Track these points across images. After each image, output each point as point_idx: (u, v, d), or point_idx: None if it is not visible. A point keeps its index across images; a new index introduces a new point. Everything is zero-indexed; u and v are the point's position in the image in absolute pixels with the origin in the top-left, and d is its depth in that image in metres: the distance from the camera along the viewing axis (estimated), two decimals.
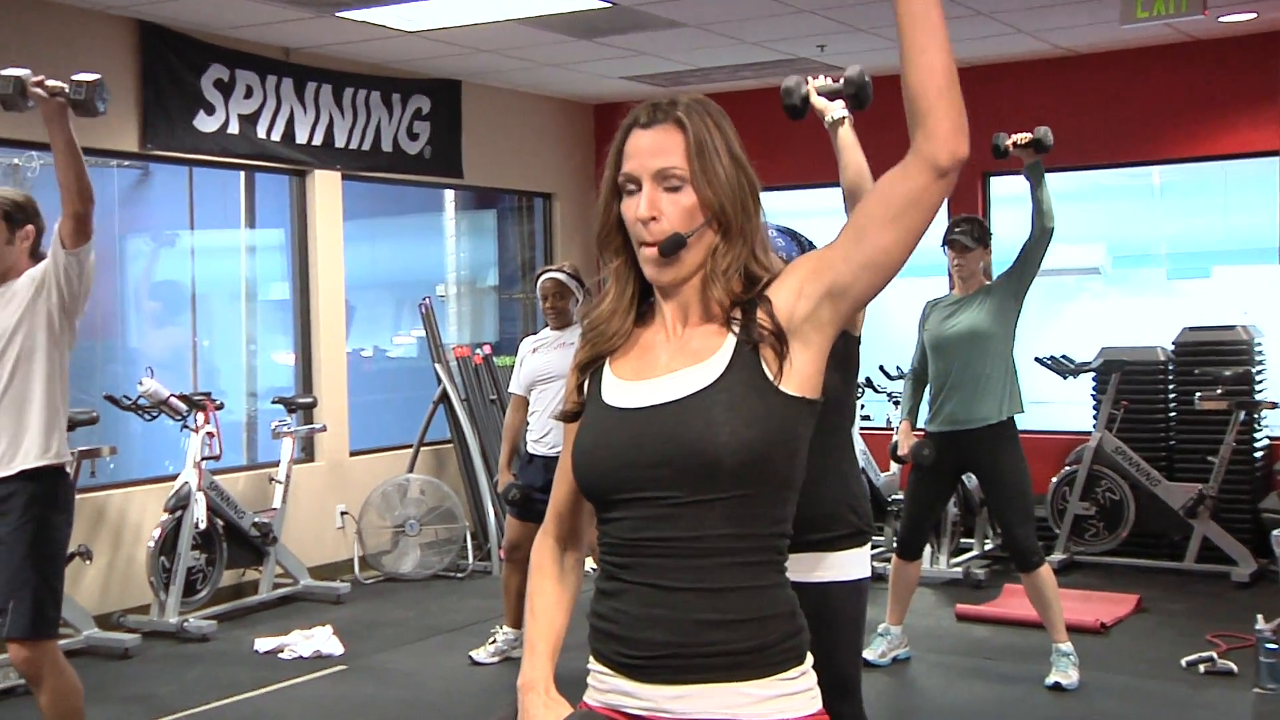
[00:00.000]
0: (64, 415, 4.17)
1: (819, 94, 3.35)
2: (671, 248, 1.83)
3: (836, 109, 3.33)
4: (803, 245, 3.48)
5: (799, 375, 1.81)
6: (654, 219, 1.84)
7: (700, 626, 1.79)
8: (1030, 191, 5.36)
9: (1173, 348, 7.83)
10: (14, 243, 4.12)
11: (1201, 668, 5.58)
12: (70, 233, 3.97)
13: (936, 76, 1.73)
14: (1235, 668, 5.53)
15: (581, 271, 6.03)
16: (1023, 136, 5.34)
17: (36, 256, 4.21)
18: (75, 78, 3.90)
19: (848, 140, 3.33)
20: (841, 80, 3.34)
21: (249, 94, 7.47)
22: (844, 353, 3.20)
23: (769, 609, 1.82)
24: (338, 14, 6.83)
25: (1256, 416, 7.54)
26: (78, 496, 4.30)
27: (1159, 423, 7.84)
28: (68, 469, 4.20)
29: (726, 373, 1.80)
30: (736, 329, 1.83)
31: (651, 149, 1.85)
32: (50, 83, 3.90)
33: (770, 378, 1.80)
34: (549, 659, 1.97)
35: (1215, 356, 7.57)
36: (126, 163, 7.60)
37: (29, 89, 3.89)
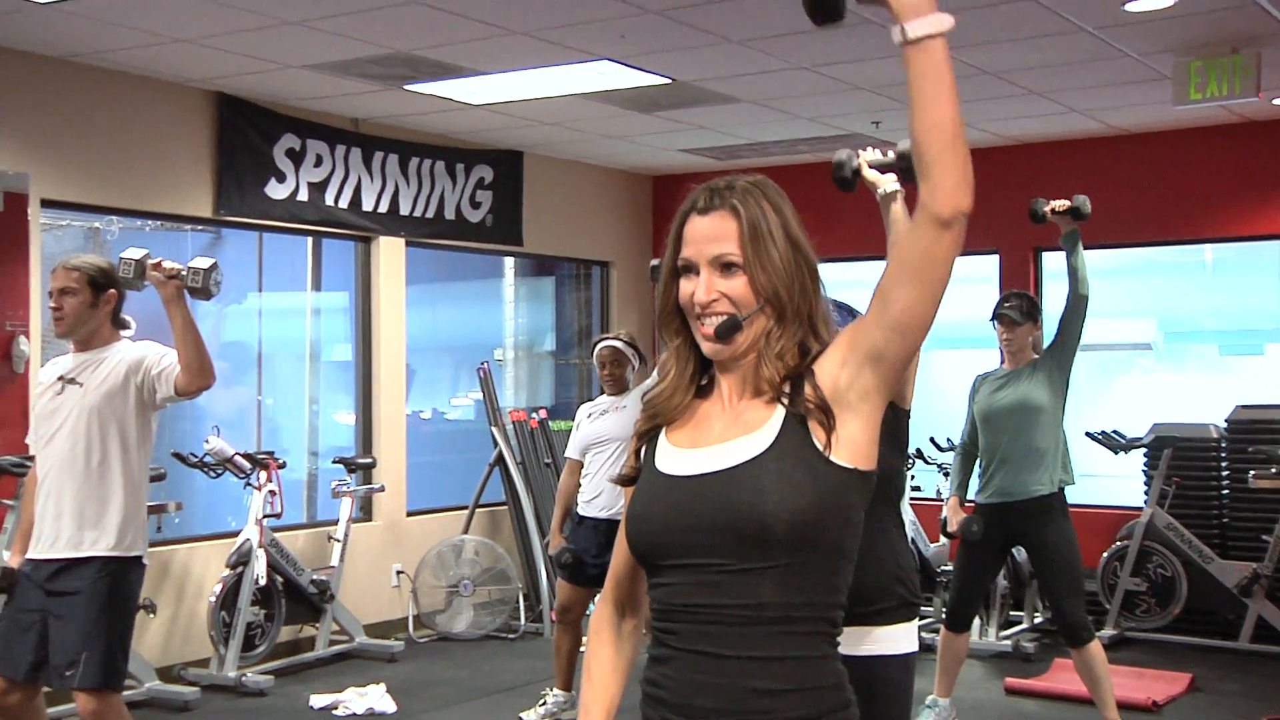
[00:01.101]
0: (143, 510, 4.22)
1: (870, 167, 3.34)
2: (727, 331, 1.85)
3: (889, 183, 3.31)
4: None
5: (849, 445, 1.81)
6: (712, 302, 1.86)
7: (749, 694, 1.78)
8: (1065, 259, 5.35)
9: (1225, 425, 7.73)
10: (98, 306, 4.20)
11: None
12: (185, 390, 4.11)
13: (943, 131, 1.73)
14: None
15: (638, 339, 6.07)
16: (1061, 204, 5.34)
17: (118, 322, 4.29)
18: (191, 264, 4.08)
19: (899, 214, 3.30)
20: (892, 154, 3.34)
21: (319, 162, 7.61)
22: (894, 426, 3.19)
23: (819, 680, 1.81)
24: (406, 87, 6.96)
25: None
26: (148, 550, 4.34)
27: (1212, 500, 7.73)
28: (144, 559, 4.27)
29: (776, 443, 1.81)
30: (785, 401, 1.84)
31: (708, 235, 1.88)
32: (167, 264, 4.07)
33: (820, 448, 1.80)
34: None
35: (1269, 435, 7.46)
36: (200, 227, 7.74)
37: (148, 272, 4.06)
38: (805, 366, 1.86)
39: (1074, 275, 5.33)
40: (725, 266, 1.87)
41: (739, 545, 1.78)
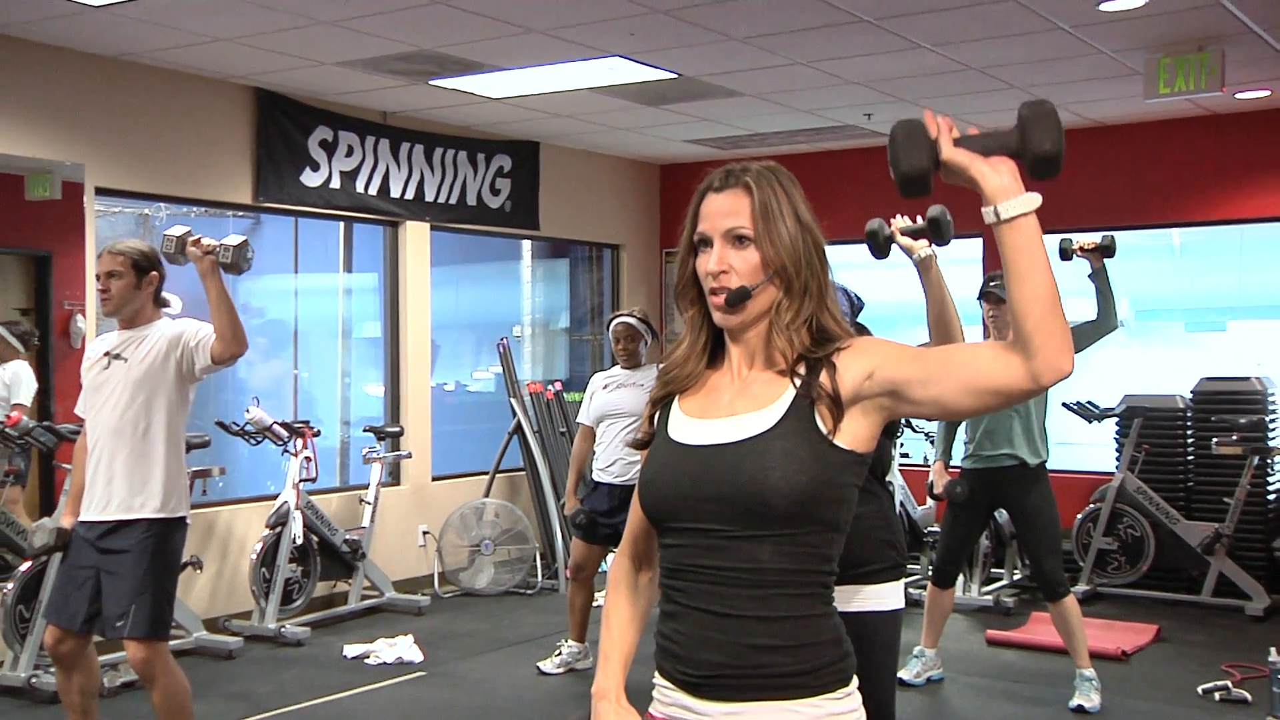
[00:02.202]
0: (184, 473, 4.24)
1: (902, 234, 3.28)
2: (736, 299, 1.84)
3: (922, 247, 3.25)
4: (853, 301, 3.47)
5: (851, 434, 1.80)
6: (723, 273, 1.85)
7: (752, 650, 1.79)
8: (1096, 291, 5.31)
9: (1191, 396, 7.73)
10: (141, 288, 4.22)
11: (1217, 696, 5.49)
12: (221, 357, 4.12)
13: (1042, 302, 1.69)
14: (1249, 697, 5.43)
15: (648, 314, 6.08)
16: (1089, 241, 5.29)
17: (159, 302, 4.30)
18: (223, 242, 4.11)
19: (934, 277, 3.25)
20: (922, 220, 3.26)
21: (350, 153, 7.60)
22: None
23: (817, 635, 1.82)
24: (431, 82, 6.95)
25: (1269, 461, 7.42)
26: (190, 513, 4.36)
27: (1178, 465, 7.73)
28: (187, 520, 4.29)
29: (782, 421, 1.80)
30: (798, 382, 1.82)
31: (722, 211, 1.86)
32: (205, 242, 4.08)
33: (824, 432, 1.79)
34: (620, 669, 1.99)
35: (1231, 405, 7.48)
36: (241, 213, 7.74)
37: (187, 248, 4.09)
38: (825, 356, 1.83)
39: (1108, 306, 5.26)
40: (737, 239, 1.85)
41: (740, 514, 1.78)
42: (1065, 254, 5.31)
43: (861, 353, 1.82)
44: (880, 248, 3.29)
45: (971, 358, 1.75)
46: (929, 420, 1.81)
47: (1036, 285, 1.70)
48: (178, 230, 4.14)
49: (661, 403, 1.96)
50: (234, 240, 4.10)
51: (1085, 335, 5.36)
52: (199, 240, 4.09)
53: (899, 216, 3.32)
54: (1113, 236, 5.31)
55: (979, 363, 1.74)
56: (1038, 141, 1.73)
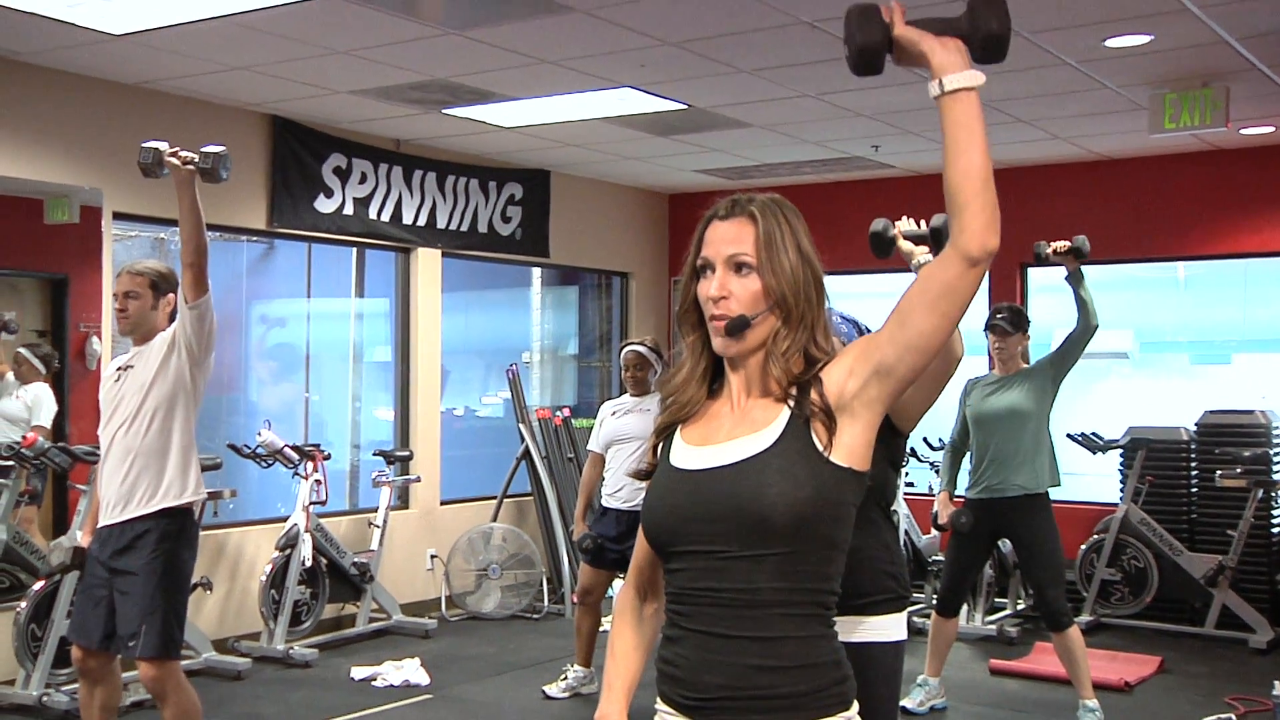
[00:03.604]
0: (196, 455, 4.26)
1: (904, 238, 3.33)
2: (736, 328, 1.86)
3: (923, 254, 3.29)
4: (863, 333, 3.50)
5: (847, 447, 1.82)
6: (723, 299, 1.87)
7: (752, 672, 1.80)
8: (1074, 294, 5.34)
9: (1195, 428, 7.73)
10: (158, 308, 4.27)
11: None
12: (189, 285, 4.10)
13: (973, 178, 1.74)
14: None
15: (659, 344, 6.10)
16: (1061, 245, 5.32)
17: (173, 321, 4.35)
18: (204, 149, 4.04)
19: None
20: (926, 227, 3.29)
21: (363, 180, 7.66)
22: (891, 444, 3.24)
23: (817, 657, 1.83)
24: (444, 111, 7.00)
25: (1273, 494, 7.40)
26: (201, 534, 4.38)
27: (1181, 497, 7.72)
28: (195, 509, 4.27)
29: (779, 441, 1.81)
30: (791, 404, 1.84)
31: (725, 238, 1.89)
32: (184, 153, 4.05)
33: (820, 449, 1.80)
34: (624, 696, 2.00)
35: (1235, 438, 7.47)
36: (255, 238, 7.79)
37: (165, 159, 4.05)
38: (813, 375, 1.85)
39: (1084, 308, 5.31)
40: (739, 266, 1.87)
41: (741, 534, 1.79)
42: (1039, 258, 5.34)
43: (840, 358, 1.86)
44: (883, 247, 3.34)
45: (916, 283, 1.81)
46: (921, 368, 1.79)
47: (972, 160, 1.75)
48: (156, 143, 4.08)
49: (665, 432, 1.98)
50: (214, 148, 4.03)
51: (1072, 345, 5.38)
52: (177, 152, 4.04)
53: (904, 219, 3.36)
54: (1084, 238, 5.33)
55: (922, 281, 1.79)
56: (986, 22, 1.80)
